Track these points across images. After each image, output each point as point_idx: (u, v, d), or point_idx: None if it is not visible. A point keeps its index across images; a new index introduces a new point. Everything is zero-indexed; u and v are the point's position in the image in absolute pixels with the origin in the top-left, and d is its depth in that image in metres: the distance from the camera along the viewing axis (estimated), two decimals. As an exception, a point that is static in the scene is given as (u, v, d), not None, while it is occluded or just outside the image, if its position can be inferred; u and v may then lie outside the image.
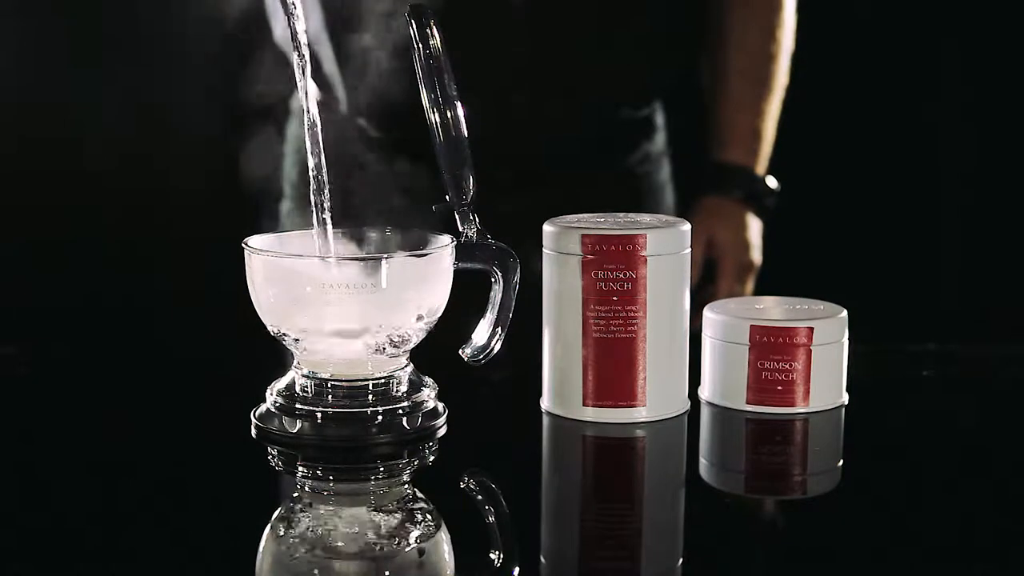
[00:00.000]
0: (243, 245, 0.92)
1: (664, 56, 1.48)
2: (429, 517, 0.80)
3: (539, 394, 0.98)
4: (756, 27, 1.52)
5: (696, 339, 0.98)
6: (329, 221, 0.93)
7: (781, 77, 1.54)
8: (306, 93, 0.91)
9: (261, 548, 0.74)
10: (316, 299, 0.88)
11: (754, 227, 1.53)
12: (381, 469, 0.88)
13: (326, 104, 0.91)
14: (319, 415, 0.90)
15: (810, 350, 0.95)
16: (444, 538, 0.77)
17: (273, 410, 0.92)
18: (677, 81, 1.52)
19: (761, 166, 1.54)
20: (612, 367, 0.93)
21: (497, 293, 0.94)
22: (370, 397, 0.91)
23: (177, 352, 1.24)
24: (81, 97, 1.84)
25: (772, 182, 1.54)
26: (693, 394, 0.99)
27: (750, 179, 1.53)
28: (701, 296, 1.45)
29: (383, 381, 0.91)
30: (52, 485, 0.85)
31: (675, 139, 1.53)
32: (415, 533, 0.78)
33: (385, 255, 0.92)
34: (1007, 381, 1.11)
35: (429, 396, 0.93)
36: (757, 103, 1.53)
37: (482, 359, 0.95)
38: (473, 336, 0.96)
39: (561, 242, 0.94)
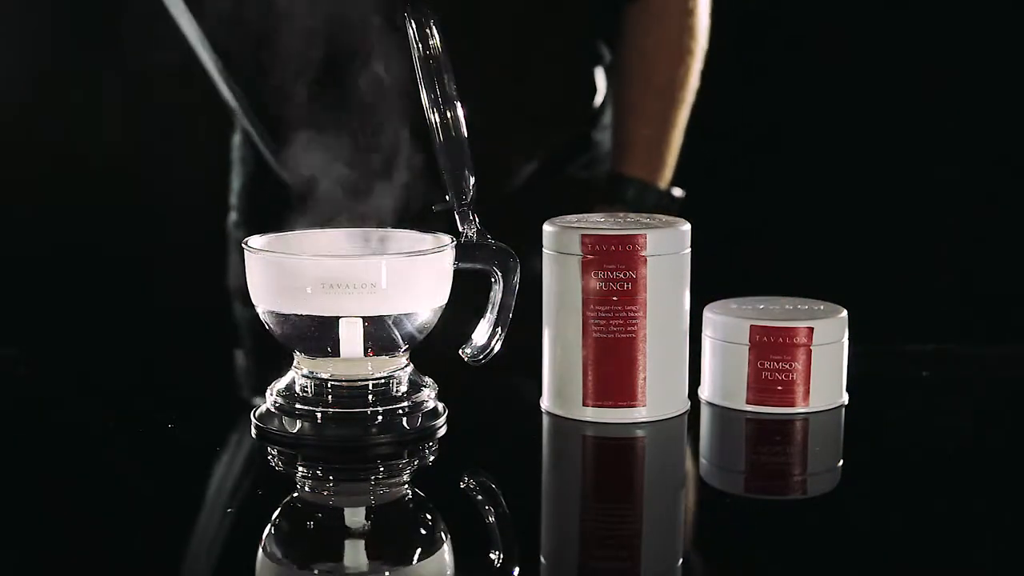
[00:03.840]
0: (243, 245, 0.92)
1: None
2: (429, 517, 0.80)
3: (539, 394, 0.98)
4: (657, 33, 1.45)
5: (696, 339, 0.98)
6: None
7: (688, 86, 1.47)
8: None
9: (261, 549, 0.74)
10: (315, 298, 0.88)
11: None
12: (381, 469, 0.88)
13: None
14: (319, 415, 0.90)
15: (810, 350, 0.95)
16: (444, 538, 0.77)
17: (273, 410, 0.92)
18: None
19: (661, 178, 1.47)
20: (612, 367, 0.93)
21: (497, 293, 0.94)
22: (370, 397, 0.91)
23: (176, 352, 1.24)
24: (81, 97, 1.84)
25: (677, 192, 1.47)
26: (693, 394, 0.99)
27: (642, 190, 1.45)
28: None
29: (383, 381, 0.91)
30: (52, 485, 0.85)
31: None
32: (415, 534, 0.78)
33: (385, 255, 0.92)
34: (1006, 381, 1.11)
35: (429, 396, 0.93)
36: (658, 112, 1.46)
37: (482, 359, 0.95)
38: (473, 336, 0.96)
39: (561, 242, 0.94)
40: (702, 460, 0.93)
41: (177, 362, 1.18)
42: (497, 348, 0.95)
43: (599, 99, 1.47)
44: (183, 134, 1.83)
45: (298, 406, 0.91)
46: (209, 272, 1.50)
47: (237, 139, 1.45)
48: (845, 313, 0.98)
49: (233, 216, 1.47)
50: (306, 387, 0.91)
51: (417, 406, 0.92)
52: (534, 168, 1.42)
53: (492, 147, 1.20)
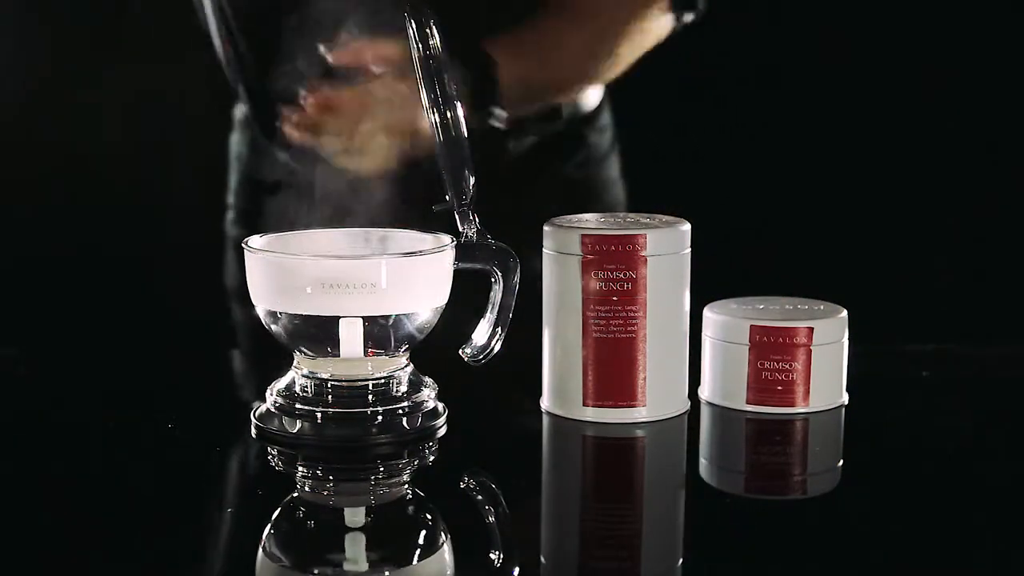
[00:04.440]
0: (243, 245, 0.92)
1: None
2: (429, 517, 0.80)
3: (539, 394, 0.98)
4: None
5: (696, 339, 0.98)
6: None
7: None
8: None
9: (261, 549, 0.74)
10: (315, 298, 0.88)
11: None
12: (381, 469, 0.88)
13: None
14: (319, 415, 0.90)
15: (810, 350, 0.95)
16: (444, 538, 0.77)
17: (273, 410, 0.92)
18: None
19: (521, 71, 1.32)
20: (612, 367, 0.93)
21: (497, 293, 0.94)
22: (370, 397, 0.91)
23: (176, 352, 1.24)
24: (81, 97, 1.84)
25: (500, 114, 1.30)
26: (693, 394, 0.99)
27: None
28: None
29: (383, 381, 0.91)
30: (51, 485, 0.85)
31: (625, 135, 1.50)
32: (415, 534, 0.78)
33: (385, 255, 0.92)
34: (1006, 381, 1.11)
35: (429, 396, 0.93)
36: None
37: (482, 359, 0.95)
38: (473, 336, 0.96)
39: (561, 242, 0.94)
40: (702, 460, 0.93)
41: (177, 362, 1.18)
42: (497, 348, 0.95)
43: (596, 100, 1.46)
44: (184, 133, 1.83)
45: (298, 406, 0.91)
46: (210, 272, 1.50)
47: (235, 137, 1.45)
48: (845, 313, 0.98)
49: (231, 215, 1.47)
50: (306, 387, 0.91)
51: (417, 406, 0.92)
52: (527, 162, 1.40)
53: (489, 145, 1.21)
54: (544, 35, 1.34)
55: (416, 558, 0.74)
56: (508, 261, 0.94)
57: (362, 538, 0.76)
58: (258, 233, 0.96)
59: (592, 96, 1.47)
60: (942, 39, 1.88)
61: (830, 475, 0.90)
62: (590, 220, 0.96)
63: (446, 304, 0.93)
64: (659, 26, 1.38)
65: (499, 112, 1.30)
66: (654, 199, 1.49)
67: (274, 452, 0.90)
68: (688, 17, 1.39)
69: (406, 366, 0.93)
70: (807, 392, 0.96)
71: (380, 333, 0.89)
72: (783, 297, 1.01)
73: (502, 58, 1.27)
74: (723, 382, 0.98)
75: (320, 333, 0.89)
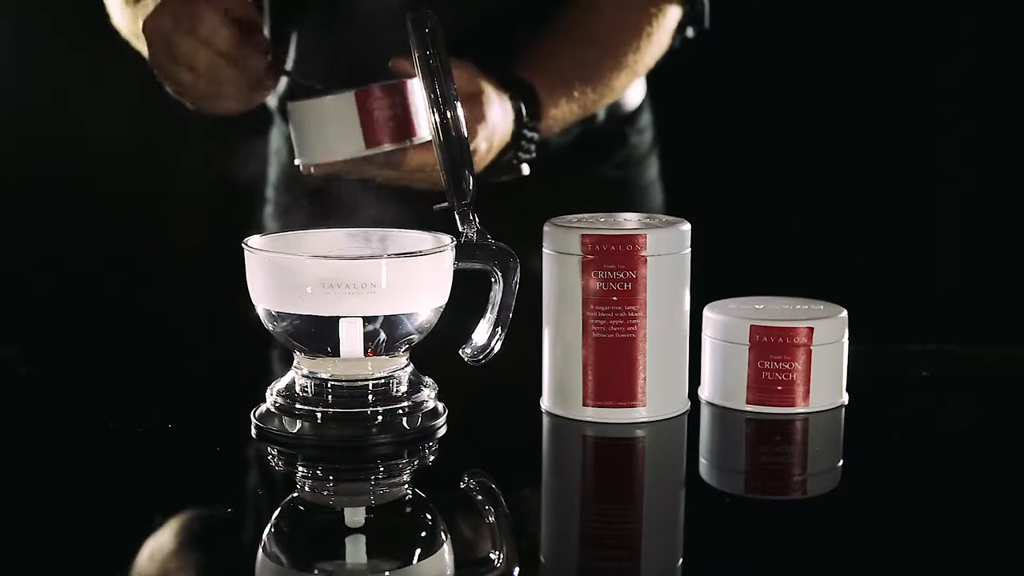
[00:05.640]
0: (243, 245, 0.92)
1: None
2: (429, 517, 0.80)
3: (539, 394, 0.98)
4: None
5: (696, 339, 0.98)
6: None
7: (634, 63, 1.33)
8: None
9: (261, 549, 0.74)
10: (315, 298, 0.88)
11: (500, 129, 1.19)
12: (381, 469, 0.88)
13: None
14: (319, 415, 0.90)
15: (810, 350, 0.95)
16: (444, 538, 0.77)
17: (273, 410, 0.92)
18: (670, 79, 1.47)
19: (546, 125, 1.26)
20: (612, 367, 0.93)
21: (497, 293, 0.94)
22: (370, 397, 0.91)
23: (177, 352, 1.24)
24: (81, 97, 1.84)
25: (524, 169, 1.26)
26: (693, 394, 0.99)
27: (520, 116, 1.21)
28: None
29: (383, 381, 0.91)
30: (52, 485, 0.85)
31: (664, 137, 1.50)
32: (415, 534, 0.78)
33: (385, 255, 0.92)
34: (1006, 381, 1.11)
35: (429, 396, 0.93)
36: (594, 64, 1.31)
37: (482, 359, 0.95)
38: (473, 336, 0.95)
39: (561, 242, 0.94)
40: (702, 460, 0.93)
41: (177, 361, 1.18)
42: (497, 348, 0.95)
43: (637, 100, 1.46)
44: (187, 131, 1.83)
45: (298, 406, 0.91)
46: (210, 271, 1.50)
47: (274, 131, 1.46)
48: (845, 313, 0.98)
49: (269, 208, 1.47)
50: (306, 387, 0.91)
51: (417, 406, 0.92)
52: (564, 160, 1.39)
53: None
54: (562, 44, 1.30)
55: (416, 558, 0.74)
56: (508, 261, 0.94)
57: (362, 538, 0.76)
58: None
59: (633, 96, 1.46)
60: (943, 39, 1.88)
61: (830, 475, 0.90)
62: (590, 220, 0.96)
63: (446, 304, 0.93)
64: (667, 32, 1.37)
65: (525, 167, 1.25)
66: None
67: (274, 452, 0.90)
68: (690, 32, 1.38)
69: (406, 366, 0.93)
70: (807, 392, 0.96)
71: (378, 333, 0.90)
72: (783, 297, 1.01)
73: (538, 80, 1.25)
74: (723, 382, 0.98)
75: (320, 333, 0.89)
